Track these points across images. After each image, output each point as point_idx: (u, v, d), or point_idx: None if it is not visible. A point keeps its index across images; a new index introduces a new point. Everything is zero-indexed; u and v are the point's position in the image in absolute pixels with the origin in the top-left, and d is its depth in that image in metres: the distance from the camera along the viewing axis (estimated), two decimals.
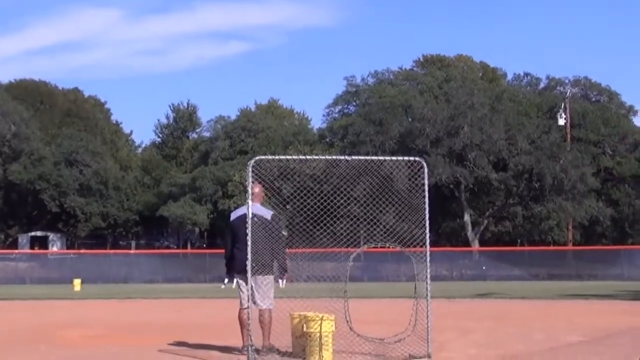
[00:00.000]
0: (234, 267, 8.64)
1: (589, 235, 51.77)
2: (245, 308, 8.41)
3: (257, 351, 8.18)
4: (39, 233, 53.25)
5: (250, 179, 8.36)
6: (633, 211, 51.51)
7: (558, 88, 56.97)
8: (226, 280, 8.86)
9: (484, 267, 40.97)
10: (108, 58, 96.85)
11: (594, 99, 57.90)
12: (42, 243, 51.69)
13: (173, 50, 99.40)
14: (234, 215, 8.87)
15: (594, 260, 40.23)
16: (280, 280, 8.73)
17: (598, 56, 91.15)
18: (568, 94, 53.59)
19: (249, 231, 8.02)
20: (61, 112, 59.53)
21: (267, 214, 8.58)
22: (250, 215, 8.12)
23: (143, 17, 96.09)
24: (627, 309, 15.84)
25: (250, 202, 8.18)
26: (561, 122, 50.50)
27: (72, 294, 26.49)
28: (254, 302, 8.39)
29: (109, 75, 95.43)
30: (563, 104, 51.12)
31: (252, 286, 8.31)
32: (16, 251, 48.56)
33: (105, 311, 17.58)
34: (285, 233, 8.77)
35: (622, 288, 23.58)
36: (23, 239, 52.39)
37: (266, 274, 8.43)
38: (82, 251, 49.47)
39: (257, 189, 8.60)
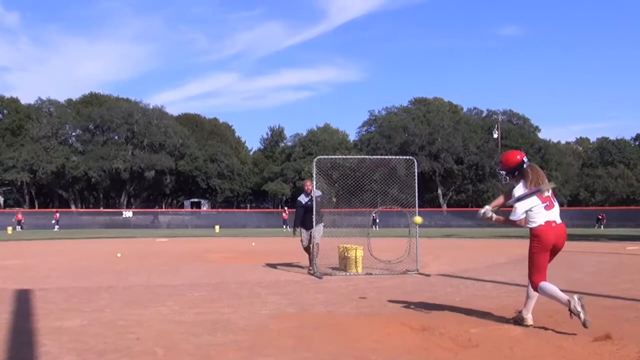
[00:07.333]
0: (302, 224, 8.41)
1: None
2: (307, 245, 8.40)
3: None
4: (195, 200, 54.33)
5: (314, 170, 8.37)
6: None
7: (494, 116, 55.42)
8: (296, 229, 8.74)
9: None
10: (236, 99, 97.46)
11: (515, 122, 56.16)
12: (197, 206, 52.79)
13: (270, 96, 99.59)
14: (301, 198, 8.50)
15: None
16: (321, 225, 8.40)
17: (517, 95, 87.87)
18: (499, 119, 52.13)
19: (314, 205, 8.07)
20: (207, 132, 60.35)
21: (319, 193, 8.38)
22: (314, 196, 8.17)
23: (254, 77, 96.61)
24: None
25: (314, 189, 8.19)
26: (495, 136, 49.27)
27: (214, 234, 27.07)
28: (314, 238, 8.26)
29: (236, 109, 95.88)
30: (496, 125, 49.77)
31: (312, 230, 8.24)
32: (183, 210, 49.79)
33: (232, 243, 17.86)
34: (319, 199, 8.31)
35: None
36: (186, 203, 53.51)
37: (318, 224, 8.30)
38: (219, 210, 50.40)
39: (309, 184, 8.36)
